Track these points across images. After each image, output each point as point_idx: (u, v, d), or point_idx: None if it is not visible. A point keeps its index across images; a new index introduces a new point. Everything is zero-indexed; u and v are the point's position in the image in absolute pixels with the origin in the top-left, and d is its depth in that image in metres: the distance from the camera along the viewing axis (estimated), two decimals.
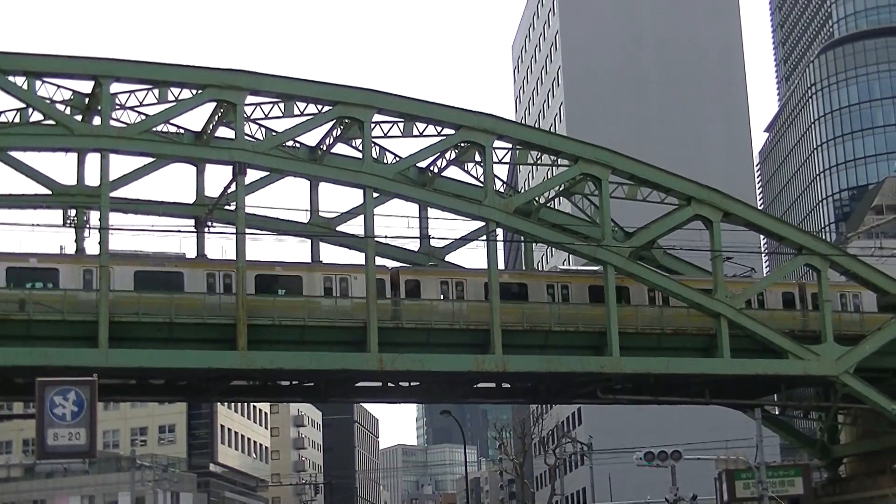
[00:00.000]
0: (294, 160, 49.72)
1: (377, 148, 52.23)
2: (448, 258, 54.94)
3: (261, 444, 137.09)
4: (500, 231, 51.74)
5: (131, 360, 44.02)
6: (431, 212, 52.81)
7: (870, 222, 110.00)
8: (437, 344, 48.37)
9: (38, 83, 45.84)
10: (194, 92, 46.39)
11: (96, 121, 46.49)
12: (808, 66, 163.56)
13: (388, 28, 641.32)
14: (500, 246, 56.33)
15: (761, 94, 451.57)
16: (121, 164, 55.94)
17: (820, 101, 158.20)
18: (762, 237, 70.93)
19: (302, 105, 49.15)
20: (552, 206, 57.10)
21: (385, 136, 51.71)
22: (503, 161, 55.27)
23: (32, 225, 45.63)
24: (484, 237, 49.68)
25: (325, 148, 51.49)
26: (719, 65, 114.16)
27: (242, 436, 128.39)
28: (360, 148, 48.76)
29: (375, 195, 47.62)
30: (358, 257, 51.11)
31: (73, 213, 49.82)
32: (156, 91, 47.77)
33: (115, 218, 46.70)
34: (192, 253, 50.24)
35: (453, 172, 54.23)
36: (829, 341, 51.89)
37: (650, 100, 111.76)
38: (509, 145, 52.88)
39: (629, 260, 50.08)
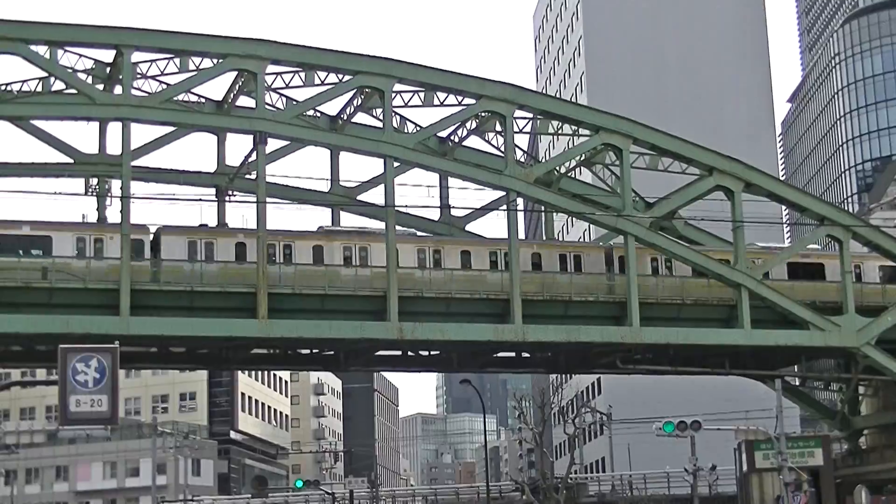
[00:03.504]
0: (315, 129, 49.73)
1: (398, 117, 52.25)
2: (468, 227, 55.02)
3: (281, 412, 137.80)
4: (520, 201, 51.73)
5: (152, 329, 44.31)
6: (452, 181, 52.78)
7: (893, 193, 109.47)
8: (457, 313, 48.49)
9: (59, 52, 45.99)
10: (215, 61, 46.46)
11: (117, 90, 46.58)
12: (832, 36, 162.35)
13: None
14: (520, 216, 56.34)
15: (784, 64, 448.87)
16: (142, 134, 55.99)
17: (843, 71, 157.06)
18: (784, 208, 70.60)
19: (322, 74, 49.14)
20: (573, 176, 57.01)
21: (405, 105, 51.71)
22: (524, 131, 55.25)
23: (55, 193, 45.90)
24: (504, 207, 49.69)
25: (345, 117, 51.48)
26: (742, 34, 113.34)
27: (263, 404, 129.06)
28: (381, 117, 48.77)
29: (396, 165, 47.64)
30: (375, 225, 51.21)
31: (94, 181, 50.03)
32: (177, 60, 47.86)
33: (137, 187, 46.91)
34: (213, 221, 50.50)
35: (474, 142, 54.32)
36: (850, 312, 51.78)
37: (672, 69, 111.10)
38: (530, 115, 52.83)
39: (650, 230, 50.04)
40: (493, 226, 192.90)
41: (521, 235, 57.01)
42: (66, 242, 44.92)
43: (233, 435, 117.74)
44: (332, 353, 53.10)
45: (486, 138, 53.95)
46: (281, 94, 51.21)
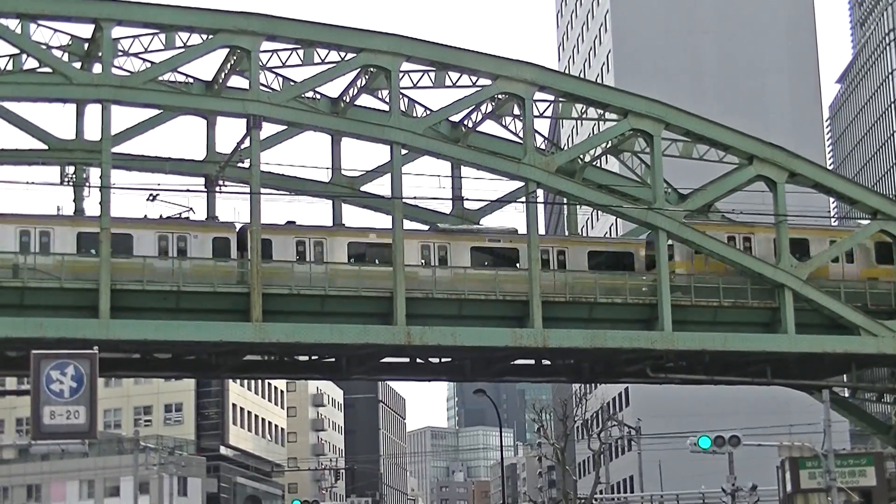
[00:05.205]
0: (314, 113, 49.75)
1: (406, 100, 52.26)
2: (483, 221, 55.01)
3: (276, 426, 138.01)
4: (540, 192, 51.72)
5: (135, 332, 44.32)
6: (465, 171, 52.80)
7: None
8: (470, 316, 48.50)
9: (32, 27, 46.02)
10: (205, 37, 46.47)
11: (97, 69, 46.66)
12: (886, 10, 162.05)
13: None
14: (540, 209, 56.36)
15: (833, 41, 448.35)
16: (124, 117, 55.96)
17: None
18: (832, 200, 70.49)
19: (323, 52, 49.17)
20: (598, 164, 56.98)
21: (414, 86, 51.73)
22: (545, 115, 55.22)
23: (27, 183, 45.95)
24: (523, 199, 49.67)
25: (348, 100, 51.52)
26: (785, 8, 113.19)
27: (256, 416, 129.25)
28: (387, 100, 48.81)
29: (403, 152, 47.70)
30: (380, 220, 51.31)
31: (71, 170, 50.09)
32: (162, 36, 47.89)
33: (118, 176, 46.96)
34: (202, 214, 50.58)
35: (490, 127, 54.27)
36: None
37: (708, 48, 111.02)
38: (551, 97, 52.79)
39: (683, 225, 50.00)
40: (510, 219, 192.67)
41: (542, 230, 56.91)
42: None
43: (223, 450, 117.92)
44: (332, 359, 53.14)
45: (503, 123, 53.94)
46: (277, 74, 51.26)
